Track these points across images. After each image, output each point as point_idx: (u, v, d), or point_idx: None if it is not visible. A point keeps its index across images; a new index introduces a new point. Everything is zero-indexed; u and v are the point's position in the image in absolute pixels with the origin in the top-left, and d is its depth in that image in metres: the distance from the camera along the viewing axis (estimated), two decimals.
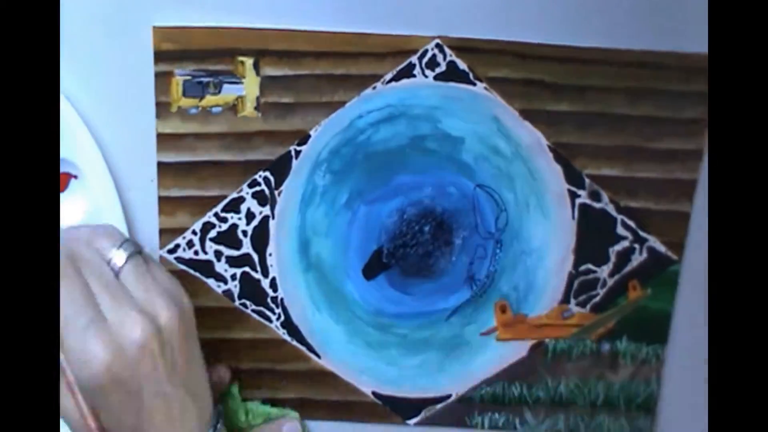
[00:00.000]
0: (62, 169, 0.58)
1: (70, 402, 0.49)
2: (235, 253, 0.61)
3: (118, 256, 0.51)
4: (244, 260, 0.61)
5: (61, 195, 0.58)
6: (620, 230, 0.61)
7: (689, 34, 0.58)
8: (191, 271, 0.61)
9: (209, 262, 0.61)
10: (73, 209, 0.58)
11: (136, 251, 0.52)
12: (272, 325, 0.62)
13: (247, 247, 0.61)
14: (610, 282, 0.63)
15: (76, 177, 0.58)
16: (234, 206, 0.60)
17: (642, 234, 0.62)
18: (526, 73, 0.58)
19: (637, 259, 0.62)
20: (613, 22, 0.58)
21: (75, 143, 0.57)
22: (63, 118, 0.55)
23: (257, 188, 0.60)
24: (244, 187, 0.60)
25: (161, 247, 0.61)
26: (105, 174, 0.58)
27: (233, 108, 0.59)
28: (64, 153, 0.56)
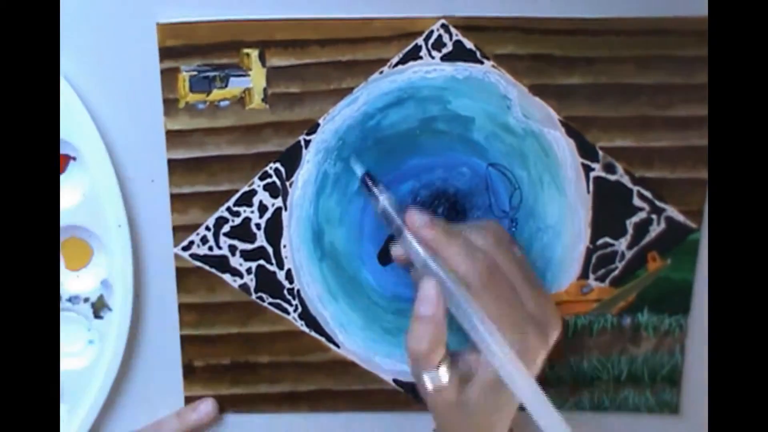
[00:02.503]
0: (61, 150, 0.57)
1: None
2: (249, 246, 0.61)
3: None
4: (258, 253, 0.61)
5: (60, 176, 0.58)
6: (637, 201, 0.61)
7: None
8: (207, 267, 0.61)
9: (224, 257, 0.61)
10: (72, 191, 0.59)
11: None
12: (290, 317, 0.62)
13: (261, 240, 0.61)
14: (629, 254, 0.62)
15: (74, 159, 0.58)
16: (246, 200, 0.60)
17: (659, 204, 0.61)
18: (533, 49, 0.58)
19: (655, 230, 0.61)
20: None
21: (73, 124, 0.57)
22: (62, 100, 0.56)
23: (268, 180, 0.60)
24: (256, 179, 0.60)
25: (175, 244, 0.60)
26: (104, 156, 0.58)
27: (241, 101, 0.58)
28: (63, 134, 0.56)
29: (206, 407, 0.63)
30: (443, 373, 0.52)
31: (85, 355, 0.61)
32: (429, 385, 0.52)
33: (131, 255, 0.59)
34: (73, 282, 0.60)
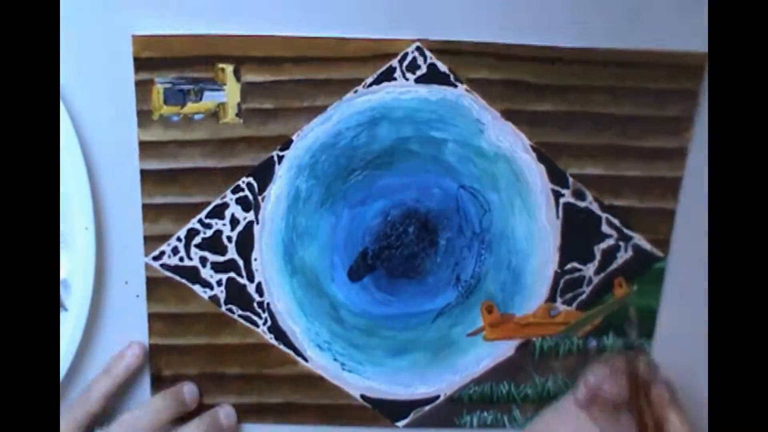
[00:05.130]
0: None
1: None
2: (220, 258, 0.61)
3: None
4: (229, 266, 0.61)
5: None
6: (605, 228, 0.61)
7: (668, 31, 0.58)
8: (177, 278, 0.61)
9: (195, 269, 0.61)
10: None
11: None
12: (259, 330, 0.62)
13: (232, 253, 0.61)
14: (596, 280, 0.63)
15: None
16: (218, 212, 0.60)
17: (627, 232, 0.62)
18: (506, 74, 0.58)
19: (622, 257, 0.62)
20: (592, 22, 0.58)
21: None
22: None
23: (241, 194, 0.60)
24: (228, 193, 0.60)
25: (146, 254, 0.61)
26: (78, 158, 0.58)
27: (215, 115, 0.58)
28: None
29: (133, 352, 0.62)
30: None
31: None
32: None
33: (94, 258, 0.59)
34: None
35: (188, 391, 0.63)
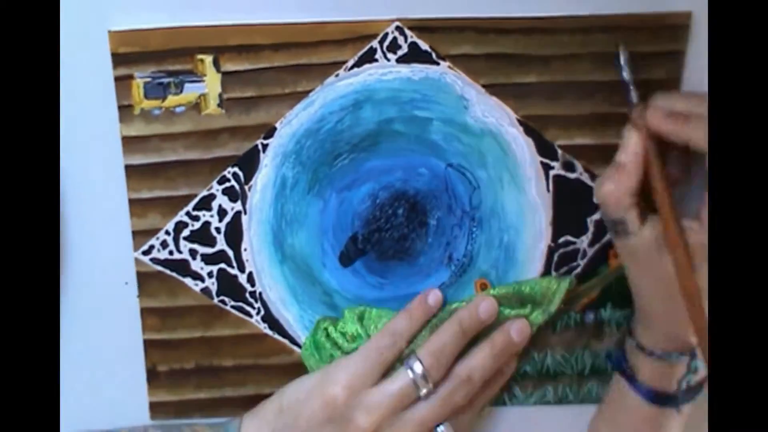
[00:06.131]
0: None
1: None
2: (210, 250, 0.61)
3: None
4: (219, 257, 0.61)
5: None
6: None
7: None
8: (168, 272, 0.61)
9: (185, 261, 0.61)
10: None
11: None
12: (253, 320, 0.62)
13: (221, 244, 0.61)
14: (590, 252, 0.62)
15: None
16: (205, 204, 0.60)
17: None
18: (488, 48, 0.57)
19: None
20: None
21: None
22: None
23: (227, 184, 0.59)
24: (214, 184, 0.59)
25: (135, 249, 0.60)
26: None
27: (196, 106, 0.58)
28: None
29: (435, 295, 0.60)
30: (632, 218, 0.54)
31: None
32: (631, 226, 0.54)
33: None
34: None
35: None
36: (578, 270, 0.62)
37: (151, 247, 0.60)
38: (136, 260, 0.61)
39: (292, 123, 0.58)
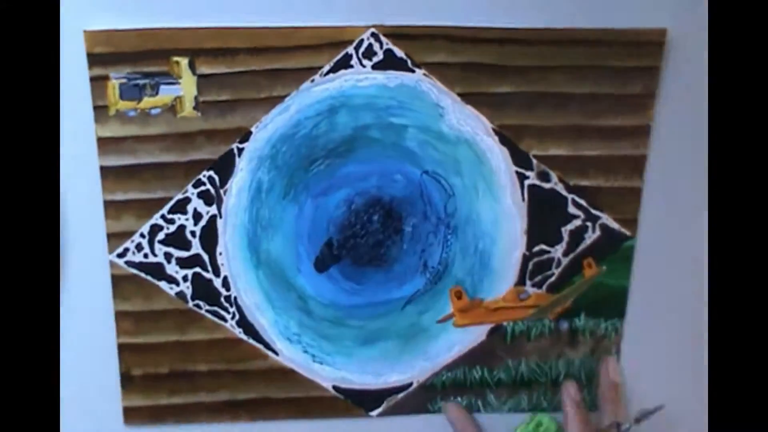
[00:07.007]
0: None
1: None
2: (185, 254, 0.61)
3: None
4: (194, 261, 0.61)
5: None
6: (571, 209, 0.61)
7: (624, 9, 0.57)
8: (142, 275, 0.61)
9: (160, 265, 0.61)
10: None
11: None
12: (227, 325, 0.62)
13: (196, 248, 0.60)
14: (565, 261, 0.62)
15: None
16: (180, 207, 0.60)
17: (594, 212, 0.61)
18: (464, 57, 0.58)
19: (590, 237, 0.62)
20: (550, 2, 0.57)
21: None
22: None
23: (202, 188, 0.59)
24: (189, 187, 0.59)
25: (110, 251, 0.60)
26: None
27: (172, 109, 0.58)
28: None
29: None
30: None
31: None
32: None
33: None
34: None
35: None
36: (553, 279, 0.62)
37: (126, 249, 0.60)
38: (111, 263, 0.60)
39: (268, 127, 0.58)
